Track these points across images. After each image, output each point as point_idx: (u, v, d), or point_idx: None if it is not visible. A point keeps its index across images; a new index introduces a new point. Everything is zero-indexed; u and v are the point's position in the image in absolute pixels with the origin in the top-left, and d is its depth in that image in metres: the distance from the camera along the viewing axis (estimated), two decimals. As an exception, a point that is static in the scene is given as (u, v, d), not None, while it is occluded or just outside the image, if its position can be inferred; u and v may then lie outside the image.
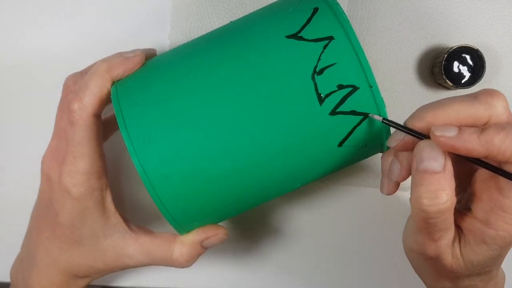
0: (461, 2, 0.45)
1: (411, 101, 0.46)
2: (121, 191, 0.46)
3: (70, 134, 0.35)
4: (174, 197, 0.32)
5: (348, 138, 0.32)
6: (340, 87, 0.31)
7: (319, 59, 0.31)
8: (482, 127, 0.29)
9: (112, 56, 0.36)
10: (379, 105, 0.31)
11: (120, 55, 0.36)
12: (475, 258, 0.31)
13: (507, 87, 0.46)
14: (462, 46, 0.43)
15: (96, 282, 0.47)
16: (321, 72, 0.31)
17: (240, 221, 0.47)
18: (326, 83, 0.31)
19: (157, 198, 0.32)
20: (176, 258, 0.37)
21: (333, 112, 0.31)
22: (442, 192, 0.29)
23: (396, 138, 0.32)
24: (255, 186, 0.33)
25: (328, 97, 0.31)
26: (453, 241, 0.32)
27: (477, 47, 0.43)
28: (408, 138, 0.31)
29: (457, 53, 0.43)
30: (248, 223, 0.47)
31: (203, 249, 0.37)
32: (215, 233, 0.36)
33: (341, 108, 0.31)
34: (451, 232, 0.31)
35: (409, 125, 0.31)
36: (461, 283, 0.33)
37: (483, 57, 0.43)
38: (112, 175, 0.46)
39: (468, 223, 0.31)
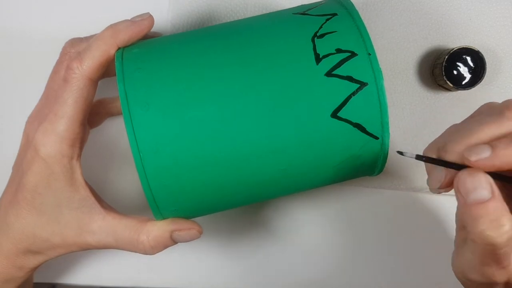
0: (462, 3, 0.45)
1: (411, 102, 0.46)
2: (110, 184, 0.46)
3: (60, 92, 0.34)
4: (159, 172, 0.31)
5: (343, 108, 0.31)
6: (339, 51, 0.32)
7: (321, 27, 0.33)
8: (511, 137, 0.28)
9: (119, 22, 0.35)
10: (376, 74, 0.31)
11: (127, 20, 0.35)
12: None
13: (508, 89, 0.46)
14: (463, 48, 0.43)
15: (96, 282, 0.47)
16: (321, 36, 0.32)
17: (240, 222, 0.47)
18: (325, 45, 0.32)
19: (142, 170, 0.31)
20: (141, 241, 0.35)
21: (329, 74, 0.31)
22: (504, 218, 0.27)
23: (437, 178, 0.30)
24: (242, 162, 0.32)
25: (325, 58, 0.32)
26: None
27: (478, 49, 0.43)
28: (450, 176, 0.30)
29: (458, 54, 0.43)
30: (248, 224, 0.47)
31: (171, 241, 0.35)
32: (188, 227, 0.35)
33: (338, 71, 0.31)
34: None
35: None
36: None
37: (484, 59, 0.43)
38: (103, 169, 0.46)
39: None
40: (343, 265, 0.47)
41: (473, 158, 0.28)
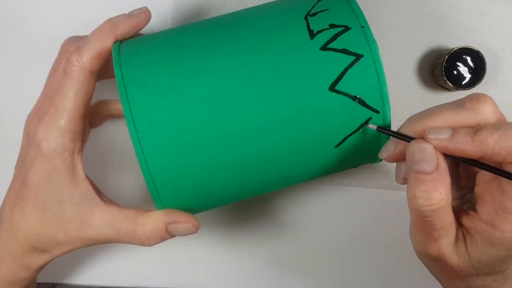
0: (462, 3, 0.45)
1: (411, 102, 0.46)
2: (109, 183, 0.46)
3: (60, 84, 0.35)
4: (157, 151, 0.31)
5: (340, 81, 0.32)
6: (332, 26, 0.32)
7: (313, 7, 0.33)
8: (477, 128, 0.29)
9: (117, 15, 0.36)
10: (371, 46, 0.32)
11: (125, 13, 0.36)
12: (483, 258, 0.31)
13: (508, 89, 0.46)
14: (463, 48, 0.43)
15: (96, 282, 0.47)
16: (314, 14, 0.33)
17: (241, 221, 0.47)
18: (318, 22, 0.33)
19: (140, 151, 0.31)
20: (137, 231, 0.35)
21: (324, 48, 0.32)
22: (435, 192, 0.29)
23: (387, 149, 0.32)
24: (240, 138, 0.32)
25: (320, 33, 0.32)
26: (457, 240, 0.31)
27: (478, 49, 0.43)
28: (399, 149, 0.31)
29: (458, 54, 0.43)
30: (249, 223, 0.47)
31: (167, 234, 0.35)
32: (184, 220, 0.34)
33: (333, 45, 0.32)
34: (451, 231, 0.31)
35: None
36: (472, 283, 0.33)
37: (484, 59, 0.43)
38: (102, 168, 0.46)
39: (474, 224, 0.31)
40: (343, 265, 0.47)
41: (431, 136, 0.30)
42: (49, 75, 0.37)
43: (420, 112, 0.32)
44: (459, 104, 0.31)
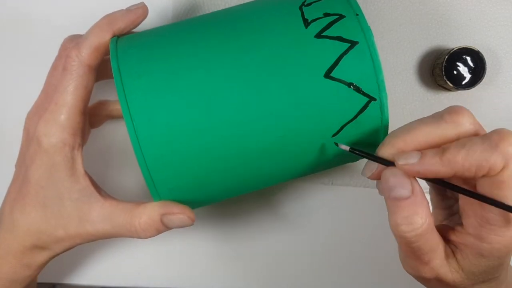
0: (462, 3, 0.45)
1: (411, 102, 0.46)
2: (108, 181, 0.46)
3: (60, 81, 0.35)
4: (153, 140, 0.31)
5: (335, 68, 0.32)
6: (326, 14, 0.33)
7: None
8: (444, 147, 0.30)
9: (114, 11, 0.36)
10: (366, 33, 0.32)
11: (122, 9, 0.37)
12: (476, 269, 0.31)
13: (508, 89, 0.46)
14: (463, 48, 0.43)
15: (96, 282, 0.47)
16: (308, 4, 0.33)
17: (240, 224, 0.47)
18: (313, 11, 0.33)
19: (136, 140, 0.31)
20: (133, 223, 0.35)
21: (319, 36, 0.32)
22: (416, 216, 0.29)
23: (370, 168, 0.32)
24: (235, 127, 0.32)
25: (314, 22, 0.32)
26: (447, 257, 0.32)
27: (478, 49, 0.43)
28: (381, 167, 0.31)
29: (458, 54, 0.43)
30: (247, 225, 0.47)
31: (163, 226, 0.35)
32: (179, 211, 0.34)
33: (327, 33, 0.32)
34: (440, 252, 0.31)
35: (381, 154, 0.31)
36: None
37: (484, 59, 0.43)
38: (100, 168, 0.46)
39: (462, 238, 0.31)
40: (343, 266, 0.47)
41: (401, 162, 0.30)
42: (49, 74, 0.37)
43: (400, 127, 0.32)
44: (438, 117, 0.31)
